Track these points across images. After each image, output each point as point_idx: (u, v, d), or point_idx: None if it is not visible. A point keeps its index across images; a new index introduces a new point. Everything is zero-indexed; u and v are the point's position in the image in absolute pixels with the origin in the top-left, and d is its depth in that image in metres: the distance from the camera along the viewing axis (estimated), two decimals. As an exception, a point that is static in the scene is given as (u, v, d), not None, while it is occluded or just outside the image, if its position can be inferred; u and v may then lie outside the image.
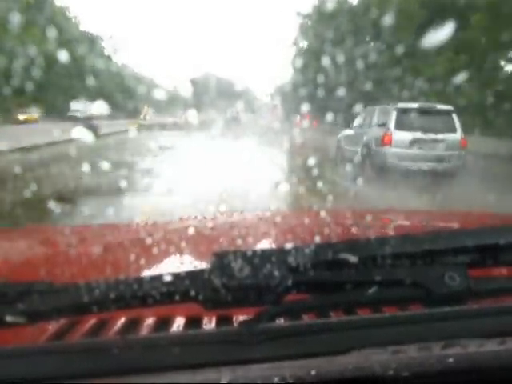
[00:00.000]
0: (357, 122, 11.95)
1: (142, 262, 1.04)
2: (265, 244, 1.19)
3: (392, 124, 9.58)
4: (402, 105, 9.76)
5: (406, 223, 1.65)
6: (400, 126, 9.53)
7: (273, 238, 1.28)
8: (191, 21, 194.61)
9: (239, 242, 1.14)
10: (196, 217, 1.51)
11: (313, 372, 0.53)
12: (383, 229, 1.45)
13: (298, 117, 28.05)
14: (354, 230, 1.32)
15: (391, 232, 1.35)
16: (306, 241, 1.14)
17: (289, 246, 0.60)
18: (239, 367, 0.54)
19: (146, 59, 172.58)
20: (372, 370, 0.53)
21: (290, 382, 0.52)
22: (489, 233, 0.69)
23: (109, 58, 42.46)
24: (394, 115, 9.61)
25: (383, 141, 9.59)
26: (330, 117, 22.63)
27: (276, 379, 0.52)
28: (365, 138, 10.56)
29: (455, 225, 1.52)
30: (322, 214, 1.57)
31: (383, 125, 9.87)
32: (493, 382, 0.57)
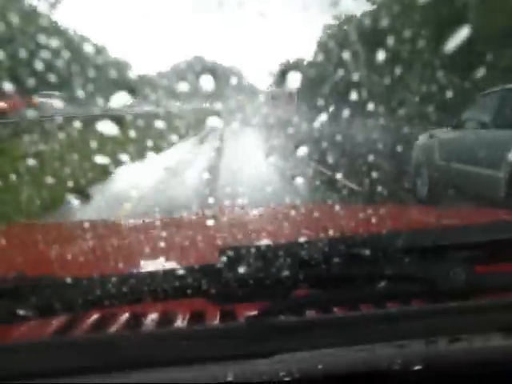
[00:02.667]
0: (472, 115, 6.12)
1: (152, 256, 1.04)
2: (274, 239, 1.16)
3: None
4: None
5: (415, 219, 1.62)
6: None
7: (282, 233, 1.26)
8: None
9: (249, 236, 1.14)
10: (204, 212, 1.57)
11: (319, 366, 0.53)
12: (392, 224, 1.41)
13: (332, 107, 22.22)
14: (362, 225, 1.30)
15: (400, 228, 1.33)
16: (314, 236, 1.08)
17: (298, 240, 0.63)
18: (246, 361, 0.54)
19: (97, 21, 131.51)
20: (378, 365, 0.54)
21: (297, 376, 0.52)
22: (495, 229, 0.72)
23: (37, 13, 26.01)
24: None
25: None
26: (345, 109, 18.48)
27: (283, 373, 0.52)
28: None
29: (462, 221, 1.50)
30: (332, 208, 1.56)
31: None
32: (498, 376, 0.57)
